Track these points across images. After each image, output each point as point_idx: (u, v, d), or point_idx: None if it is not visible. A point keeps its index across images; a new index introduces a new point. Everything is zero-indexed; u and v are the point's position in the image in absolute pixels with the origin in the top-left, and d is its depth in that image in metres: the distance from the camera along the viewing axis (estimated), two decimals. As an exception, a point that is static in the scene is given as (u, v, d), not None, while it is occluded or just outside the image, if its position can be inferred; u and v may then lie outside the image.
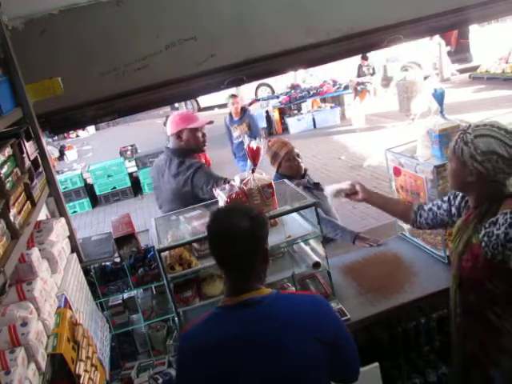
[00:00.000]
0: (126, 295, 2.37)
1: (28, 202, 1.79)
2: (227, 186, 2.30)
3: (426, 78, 11.45)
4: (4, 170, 1.60)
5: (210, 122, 3.19)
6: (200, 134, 3.08)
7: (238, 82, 2.74)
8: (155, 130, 15.32)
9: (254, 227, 1.44)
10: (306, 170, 3.20)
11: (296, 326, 1.42)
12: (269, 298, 1.45)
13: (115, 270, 2.30)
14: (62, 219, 2.18)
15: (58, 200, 2.27)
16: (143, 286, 2.31)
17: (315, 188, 3.15)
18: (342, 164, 8.28)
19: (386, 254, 2.73)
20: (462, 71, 13.40)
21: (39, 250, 1.75)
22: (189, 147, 3.06)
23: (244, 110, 6.84)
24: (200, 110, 17.06)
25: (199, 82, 2.62)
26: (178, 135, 3.04)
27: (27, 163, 1.91)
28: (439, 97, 2.38)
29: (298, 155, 3.13)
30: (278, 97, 12.20)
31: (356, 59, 11.51)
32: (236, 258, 1.45)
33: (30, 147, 2.01)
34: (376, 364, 2.22)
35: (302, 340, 1.41)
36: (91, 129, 17.39)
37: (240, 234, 1.42)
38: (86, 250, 2.46)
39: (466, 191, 1.90)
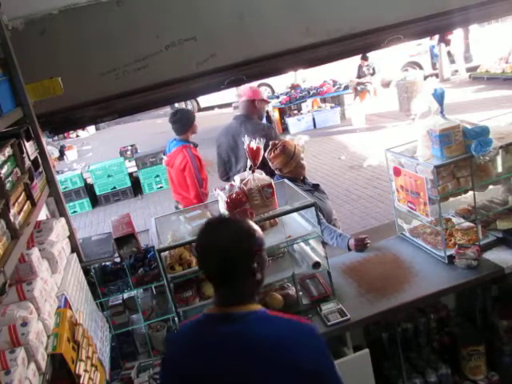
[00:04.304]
0: (126, 295, 2.37)
1: (28, 201, 1.79)
2: (227, 186, 2.30)
3: (426, 77, 11.45)
4: (4, 170, 1.60)
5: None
6: (265, 106, 4.08)
7: (238, 82, 2.74)
8: (155, 129, 15.33)
9: (237, 243, 1.38)
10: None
11: (270, 350, 1.32)
12: (252, 316, 1.39)
13: (115, 269, 2.30)
14: (62, 219, 2.18)
15: (58, 200, 2.27)
16: (143, 286, 2.31)
17: (315, 190, 3.14)
18: (342, 164, 8.28)
19: (385, 254, 2.73)
20: (467, 70, 13.32)
21: (39, 250, 1.75)
22: (259, 113, 3.89)
23: None
24: (200, 109, 17.05)
25: (199, 81, 2.62)
26: (254, 103, 3.80)
27: (27, 163, 1.91)
28: (439, 97, 2.38)
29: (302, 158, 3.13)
30: (278, 97, 12.18)
31: (356, 59, 11.50)
32: (218, 274, 1.40)
33: (30, 147, 2.01)
34: (366, 350, 2.22)
35: (274, 365, 1.32)
36: (91, 129, 17.35)
37: (221, 251, 1.37)
38: (86, 250, 2.46)
39: None
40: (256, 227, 1.45)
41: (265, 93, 15.21)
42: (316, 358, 1.35)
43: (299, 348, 1.33)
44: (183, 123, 4.16)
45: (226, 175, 3.97)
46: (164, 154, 4.40)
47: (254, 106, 3.80)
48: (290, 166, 3.00)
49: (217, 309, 1.43)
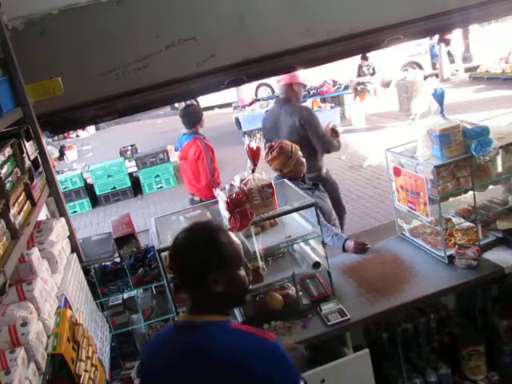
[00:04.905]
0: (126, 295, 2.37)
1: (28, 201, 1.79)
2: (227, 186, 2.30)
3: (426, 77, 11.45)
4: (4, 170, 1.60)
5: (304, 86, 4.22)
6: (302, 89, 4.13)
7: (238, 82, 2.74)
8: (155, 129, 15.34)
9: (193, 250, 1.39)
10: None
11: (222, 361, 1.32)
12: (212, 326, 1.38)
13: (115, 269, 2.30)
14: (62, 219, 2.18)
15: (58, 200, 2.27)
16: (143, 286, 2.31)
17: (316, 188, 3.13)
18: (342, 164, 8.28)
19: (385, 254, 2.73)
20: (465, 70, 13.33)
21: (39, 250, 1.75)
22: (297, 96, 3.99)
23: None
24: (200, 110, 17.03)
25: (199, 82, 2.62)
26: (291, 86, 3.91)
27: (27, 163, 1.91)
28: (439, 97, 2.38)
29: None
30: (278, 97, 12.17)
31: (356, 59, 11.49)
32: (178, 276, 1.45)
33: (30, 147, 2.01)
34: (366, 350, 2.23)
35: (225, 376, 1.32)
36: (91, 129, 17.35)
37: (179, 253, 1.41)
38: (86, 250, 2.46)
39: None
40: (229, 242, 1.41)
41: (265, 92, 15.33)
42: (271, 374, 1.30)
43: (253, 362, 1.30)
44: (193, 117, 4.44)
45: None
46: (176, 150, 4.67)
47: (292, 89, 3.95)
48: (290, 166, 2.99)
49: (184, 316, 1.46)
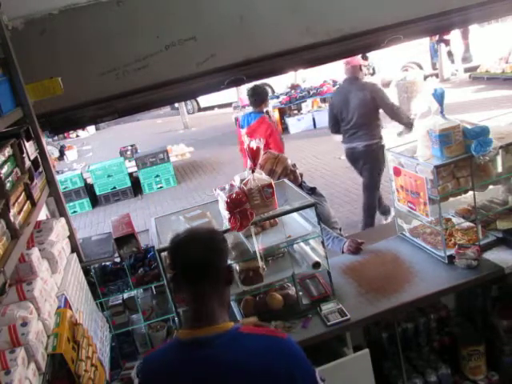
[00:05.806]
0: (126, 295, 2.37)
1: (28, 201, 1.79)
2: (227, 186, 2.30)
3: (426, 77, 11.45)
4: (4, 170, 1.61)
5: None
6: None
7: (238, 82, 2.74)
8: (155, 130, 15.34)
9: (216, 238, 1.48)
10: (301, 176, 3.16)
11: (244, 372, 1.32)
12: (222, 338, 1.36)
13: (115, 269, 2.30)
14: (62, 219, 2.18)
15: (58, 200, 2.27)
16: (143, 286, 2.31)
17: (312, 193, 3.12)
18: (342, 164, 8.26)
19: (386, 254, 2.73)
20: (465, 70, 13.33)
21: (39, 250, 1.75)
22: (362, 75, 4.83)
23: None
24: (200, 109, 17.03)
25: (199, 81, 2.62)
26: (360, 67, 4.69)
27: (27, 163, 1.91)
28: (439, 97, 2.38)
29: (294, 166, 3.05)
30: (278, 97, 12.19)
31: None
32: (202, 266, 1.39)
33: (30, 147, 2.01)
34: (366, 350, 2.23)
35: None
36: (91, 129, 17.34)
37: (205, 241, 1.44)
38: (86, 250, 2.46)
39: None
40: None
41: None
42: (292, 371, 1.33)
43: (272, 363, 1.32)
44: (260, 97, 4.96)
45: (337, 125, 4.93)
46: (242, 127, 5.06)
47: (360, 70, 4.70)
48: (276, 176, 2.96)
49: (187, 332, 1.41)
